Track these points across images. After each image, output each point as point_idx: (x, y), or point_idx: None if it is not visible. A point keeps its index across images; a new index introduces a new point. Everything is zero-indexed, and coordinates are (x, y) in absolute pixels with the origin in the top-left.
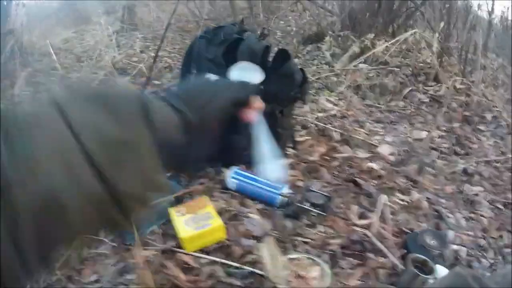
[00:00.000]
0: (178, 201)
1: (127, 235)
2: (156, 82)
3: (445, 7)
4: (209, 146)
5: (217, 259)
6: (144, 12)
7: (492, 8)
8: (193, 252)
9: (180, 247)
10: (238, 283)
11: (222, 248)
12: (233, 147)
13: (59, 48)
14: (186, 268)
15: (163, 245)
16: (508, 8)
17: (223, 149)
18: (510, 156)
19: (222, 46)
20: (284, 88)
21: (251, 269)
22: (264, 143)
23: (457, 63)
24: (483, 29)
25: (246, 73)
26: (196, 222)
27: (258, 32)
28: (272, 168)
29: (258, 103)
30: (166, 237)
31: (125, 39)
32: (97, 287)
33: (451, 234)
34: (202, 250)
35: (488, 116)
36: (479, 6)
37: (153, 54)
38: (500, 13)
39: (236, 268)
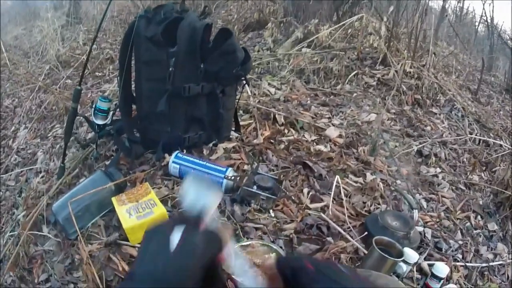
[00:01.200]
0: (120, 189)
1: (69, 229)
2: (98, 74)
3: None
4: None
5: None
6: (89, 5)
7: None
8: (138, 244)
9: (125, 238)
10: None
11: None
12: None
13: (10, 45)
14: (132, 261)
15: (107, 237)
16: None
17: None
18: (467, 137)
19: (162, 24)
20: (225, 66)
21: None
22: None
23: (405, 49)
24: (435, 17)
25: (204, 194)
26: (139, 211)
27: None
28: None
29: (226, 239)
30: (109, 229)
31: (70, 32)
32: (48, 287)
33: (416, 214)
34: None
35: (442, 99)
36: None
37: (95, 46)
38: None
39: None
